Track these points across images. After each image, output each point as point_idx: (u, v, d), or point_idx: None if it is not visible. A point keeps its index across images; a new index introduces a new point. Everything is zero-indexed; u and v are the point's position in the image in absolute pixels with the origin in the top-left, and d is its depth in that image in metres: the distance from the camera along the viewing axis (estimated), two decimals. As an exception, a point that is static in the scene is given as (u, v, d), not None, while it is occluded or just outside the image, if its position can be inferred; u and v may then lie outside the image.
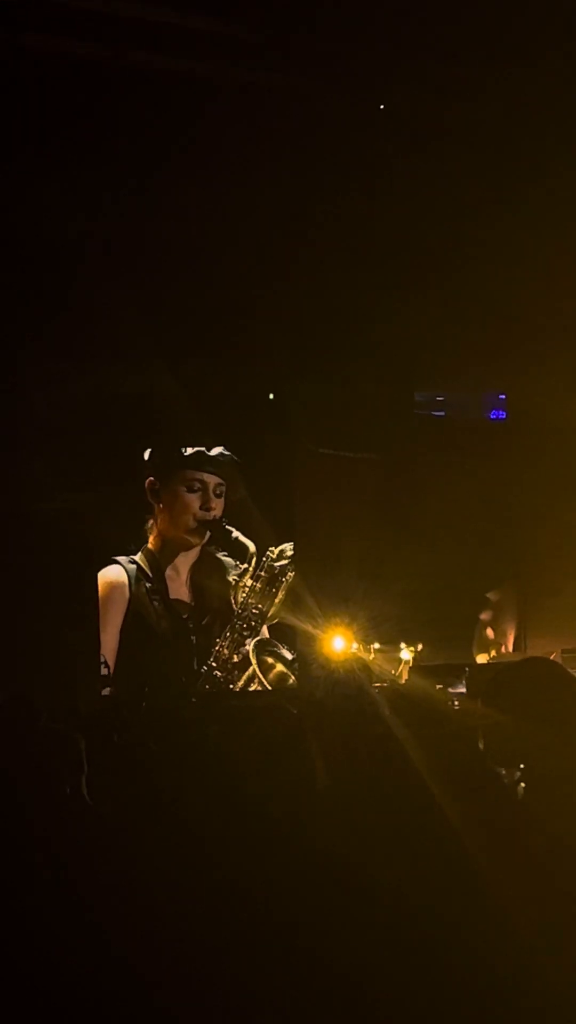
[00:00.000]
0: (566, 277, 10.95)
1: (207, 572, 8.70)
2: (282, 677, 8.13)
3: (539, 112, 10.03)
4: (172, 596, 8.67)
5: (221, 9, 9.42)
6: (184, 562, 8.83)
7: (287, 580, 8.39)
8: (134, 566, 8.66)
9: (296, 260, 10.45)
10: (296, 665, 8.17)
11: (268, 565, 8.33)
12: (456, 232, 10.72)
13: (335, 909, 2.05)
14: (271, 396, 10.29)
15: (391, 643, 11.03)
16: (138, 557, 8.62)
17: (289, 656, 8.21)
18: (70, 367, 9.77)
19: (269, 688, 8.05)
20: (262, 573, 8.31)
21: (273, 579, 8.39)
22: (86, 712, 4.33)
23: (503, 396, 13.05)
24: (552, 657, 11.77)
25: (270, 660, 8.14)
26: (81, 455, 9.42)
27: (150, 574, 8.62)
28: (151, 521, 8.83)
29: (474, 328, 11.39)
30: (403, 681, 10.07)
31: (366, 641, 9.80)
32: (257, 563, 8.32)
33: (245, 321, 10.46)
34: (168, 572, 8.71)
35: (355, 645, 9.86)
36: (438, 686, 7.07)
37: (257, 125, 9.77)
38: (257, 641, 8.15)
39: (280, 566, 8.35)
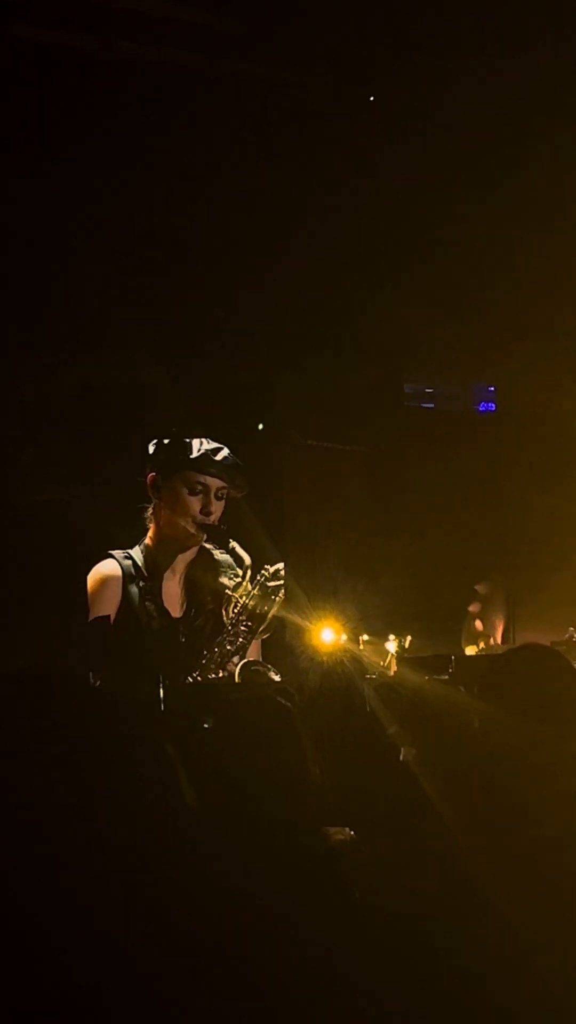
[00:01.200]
0: (556, 269, 10.95)
1: (203, 570, 8.64)
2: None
3: (529, 104, 10.02)
4: (166, 594, 8.63)
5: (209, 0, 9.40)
6: (181, 559, 8.79)
7: (279, 599, 8.36)
8: (129, 561, 8.58)
9: (284, 251, 10.43)
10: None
11: (262, 583, 8.31)
12: (446, 223, 10.71)
13: (331, 901, 2.05)
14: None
15: (380, 635, 11.04)
16: (134, 552, 8.57)
17: (277, 678, 8.17)
18: (59, 358, 9.74)
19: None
20: (255, 591, 8.28)
21: (266, 597, 8.36)
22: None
23: (492, 388, 13.06)
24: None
25: (256, 681, 8.10)
26: (71, 447, 9.39)
27: (145, 572, 8.58)
28: (150, 511, 8.78)
29: (464, 320, 11.39)
30: (392, 673, 10.07)
31: (355, 633, 9.78)
32: (252, 578, 8.31)
33: (233, 312, 10.44)
34: (164, 570, 8.68)
35: (343, 637, 9.84)
36: (426, 677, 7.05)
37: (244, 117, 9.75)
38: (244, 662, 8.10)
39: (273, 585, 8.32)
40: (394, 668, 10.48)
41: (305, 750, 2.10)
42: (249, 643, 8.23)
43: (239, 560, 8.63)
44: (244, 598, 8.34)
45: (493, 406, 13.10)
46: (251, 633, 8.30)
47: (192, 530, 8.91)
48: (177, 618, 8.65)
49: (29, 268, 9.53)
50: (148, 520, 8.85)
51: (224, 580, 8.50)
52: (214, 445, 8.85)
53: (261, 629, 8.34)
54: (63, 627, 8.43)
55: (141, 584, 8.57)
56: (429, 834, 2.04)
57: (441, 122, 10.15)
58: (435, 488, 11.84)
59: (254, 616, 8.36)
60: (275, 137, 9.95)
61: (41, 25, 9.21)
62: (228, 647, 8.30)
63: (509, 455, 12.54)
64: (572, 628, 11.87)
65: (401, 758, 3.61)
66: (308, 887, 1.99)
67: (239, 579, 8.40)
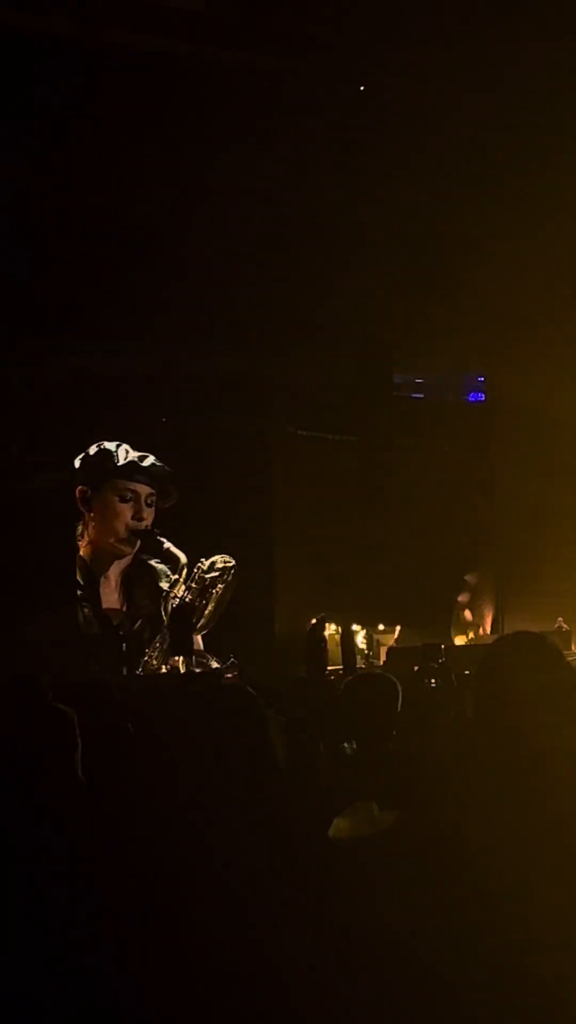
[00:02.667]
0: (547, 260, 10.96)
1: (139, 578, 8.77)
2: None
3: (525, 94, 10.01)
4: (104, 603, 8.72)
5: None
6: (116, 569, 8.90)
7: (217, 592, 8.42)
8: None
9: (274, 241, 10.42)
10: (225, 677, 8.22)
11: (199, 576, 8.38)
12: (438, 215, 10.71)
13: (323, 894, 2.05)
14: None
15: (369, 625, 11.05)
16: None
17: (217, 665, 8.23)
18: (46, 347, 9.72)
19: None
20: (193, 584, 8.35)
21: (204, 591, 8.43)
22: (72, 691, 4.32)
23: (482, 378, 13.06)
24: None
25: (197, 671, 8.15)
26: (61, 436, 9.38)
27: (81, 582, 8.69)
28: (80, 528, 8.87)
29: (454, 311, 11.39)
30: (381, 663, 10.09)
31: (345, 623, 9.79)
32: (188, 574, 8.37)
33: (223, 302, 10.43)
34: (100, 580, 8.79)
35: (333, 627, 9.85)
36: (415, 668, 7.07)
37: (234, 106, 9.71)
38: (183, 660, 8.16)
39: (211, 578, 8.38)
40: (383, 658, 10.51)
41: (271, 734, 2.10)
42: (190, 638, 8.24)
43: (174, 560, 8.67)
44: (184, 592, 8.39)
45: (483, 396, 13.10)
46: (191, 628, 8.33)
47: (124, 537, 8.97)
48: (116, 625, 8.69)
49: (20, 257, 9.50)
50: (79, 538, 8.91)
51: (161, 584, 8.56)
52: (140, 453, 8.90)
53: (201, 624, 8.36)
54: (53, 614, 8.46)
55: (78, 593, 8.64)
56: (425, 818, 2.05)
57: (434, 112, 10.14)
58: (425, 478, 11.85)
59: (193, 611, 8.39)
60: (266, 126, 9.92)
61: (33, 13, 9.17)
62: (167, 646, 8.34)
63: (499, 445, 12.55)
64: (560, 618, 11.91)
65: (347, 750, 3.65)
66: (287, 871, 2.00)
67: (176, 577, 8.47)
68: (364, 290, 10.95)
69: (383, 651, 10.45)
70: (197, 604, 8.40)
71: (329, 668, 9.21)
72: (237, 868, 2.10)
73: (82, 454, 8.76)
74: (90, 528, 8.83)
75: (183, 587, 8.41)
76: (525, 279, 11.19)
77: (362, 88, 10.28)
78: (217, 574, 8.42)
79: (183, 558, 8.42)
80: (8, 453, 9.59)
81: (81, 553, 8.81)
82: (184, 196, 10.01)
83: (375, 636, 11.07)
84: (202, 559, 8.47)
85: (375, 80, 10.18)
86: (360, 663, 9.62)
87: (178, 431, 9.84)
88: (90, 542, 8.83)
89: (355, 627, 10.53)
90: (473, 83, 9.95)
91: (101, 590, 8.76)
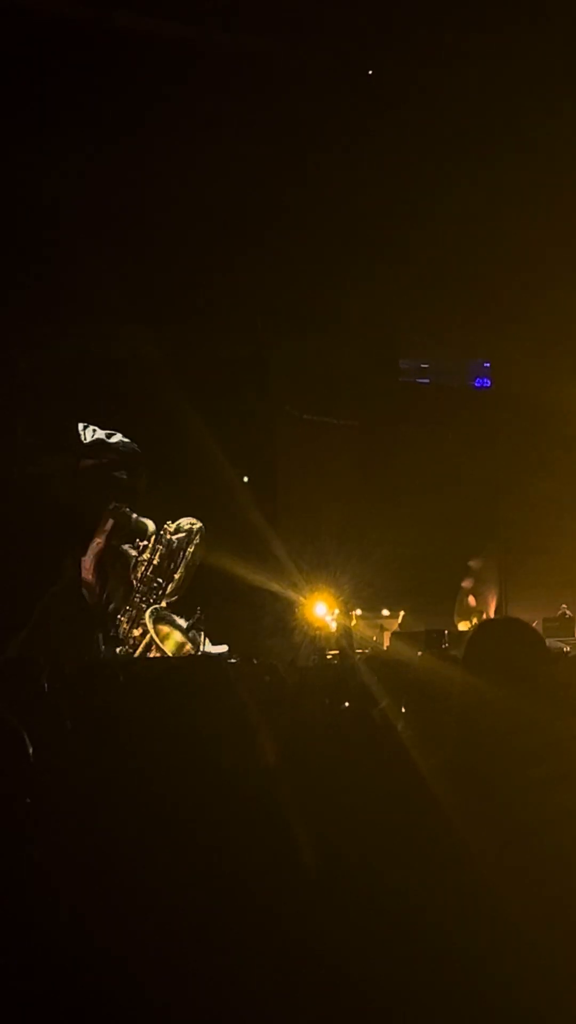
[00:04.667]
0: (553, 248, 10.93)
1: (111, 562, 8.85)
2: (179, 645, 8.26)
3: (528, 82, 9.98)
4: (79, 584, 8.83)
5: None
6: (90, 552, 8.98)
7: (188, 555, 8.49)
8: None
9: (281, 226, 10.40)
10: (191, 633, 8.28)
11: (166, 539, 8.47)
12: (444, 200, 10.68)
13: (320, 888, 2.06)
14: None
15: (373, 610, 11.06)
16: None
17: (183, 624, 8.31)
18: (51, 331, 9.72)
19: (167, 654, 8.18)
20: (160, 547, 8.44)
21: (172, 553, 8.51)
22: (70, 672, 4.34)
23: (487, 364, 13.05)
24: (533, 625, 11.86)
25: (165, 629, 8.26)
26: (62, 419, 9.39)
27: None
28: None
29: (460, 296, 11.38)
30: (385, 647, 10.10)
31: (348, 607, 9.81)
32: (156, 540, 8.46)
33: (229, 287, 10.42)
34: (79, 560, 8.90)
35: (336, 611, 9.87)
36: (419, 652, 7.06)
37: (239, 88, 9.69)
38: (151, 610, 8.26)
39: (178, 539, 8.47)
40: (387, 643, 10.52)
41: (242, 699, 2.11)
42: (160, 600, 8.32)
43: (142, 529, 8.78)
44: (151, 556, 8.49)
45: (488, 382, 13.09)
46: (161, 590, 8.42)
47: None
48: (92, 603, 8.78)
49: (22, 241, 9.49)
50: None
51: (131, 551, 8.67)
52: (107, 431, 8.95)
53: (171, 588, 8.43)
54: (54, 593, 8.53)
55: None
56: (419, 807, 2.06)
57: (439, 98, 10.12)
58: (429, 463, 11.84)
59: (163, 572, 8.49)
60: (271, 110, 9.90)
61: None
62: (141, 605, 8.43)
63: (504, 431, 12.53)
64: (564, 604, 11.92)
65: (378, 711, 3.65)
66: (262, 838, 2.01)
67: (144, 544, 8.57)
68: (370, 275, 10.94)
69: (387, 636, 10.47)
70: (166, 567, 8.52)
71: (330, 654, 9.25)
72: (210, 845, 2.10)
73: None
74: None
75: (150, 552, 8.51)
76: (532, 266, 11.17)
77: (370, 72, 10.26)
78: (184, 535, 8.53)
79: (151, 526, 8.56)
80: (14, 436, 9.60)
81: None
82: (190, 180, 9.99)
83: (379, 621, 11.08)
84: (168, 522, 8.58)
85: (382, 66, 10.16)
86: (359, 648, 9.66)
87: (182, 415, 9.84)
88: None
89: (357, 612, 10.56)
90: (488, 68, 9.93)
91: (81, 567, 8.92)
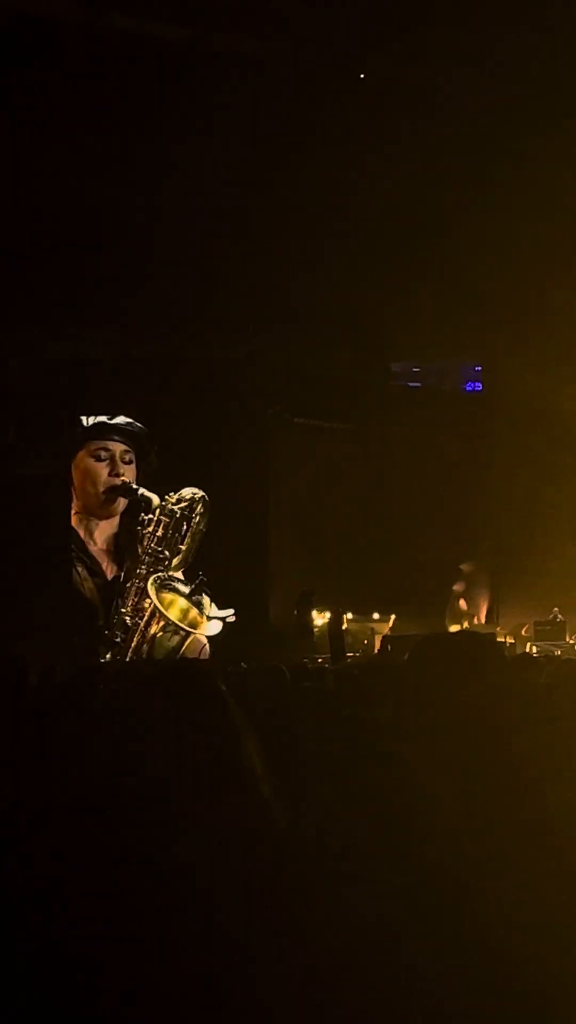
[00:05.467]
0: (545, 250, 10.95)
1: (127, 543, 8.92)
2: (183, 611, 8.32)
3: (516, 84, 9.99)
4: (93, 566, 8.92)
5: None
6: (101, 535, 9.06)
7: (195, 526, 8.54)
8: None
9: (272, 228, 10.40)
10: (195, 598, 8.34)
11: (168, 509, 8.53)
12: (435, 204, 10.69)
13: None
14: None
15: (364, 613, 11.07)
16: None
17: (186, 589, 8.37)
18: (44, 334, 9.72)
19: (173, 622, 8.24)
20: (163, 518, 8.50)
21: (176, 524, 8.57)
22: (64, 673, 4.33)
23: (479, 368, 13.07)
24: (524, 630, 11.87)
25: (168, 596, 8.32)
26: (55, 421, 9.38)
27: (73, 546, 8.87)
28: (72, 504, 9.04)
29: (452, 299, 11.39)
30: (376, 651, 10.11)
31: (339, 611, 9.81)
32: (160, 511, 8.55)
33: (220, 290, 10.42)
34: (89, 544, 8.96)
35: (327, 615, 9.86)
36: (406, 656, 7.04)
37: (230, 92, 9.68)
38: (154, 577, 8.33)
39: (181, 508, 8.53)
40: (377, 647, 10.53)
41: (226, 702, 2.10)
42: (165, 570, 8.38)
43: (147, 501, 8.86)
44: (154, 528, 8.56)
45: (480, 386, 13.11)
46: (168, 561, 8.48)
47: (104, 495, 9.17)
48: (110, 581, 8.90)
49: (12, 243, 9.48)
50: (71, 506, 9.09)
51: (138, 528, 8.77)
52: (108, 415, 9.07)
53: (177, 561, 8.49)
54: (48, 593, 8.56)
55: (72, 554, 8.86)
56: (412, 810, 2.07)
57: (433, 100, 10.12)
58: (421, 467, 11.86)
59: (167, 543, 8.56)
60: (263, 114, 9.90)
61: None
62: (146, 575, 8.49)
63: (496, 434, 12.55)
64: (556, 608, 11.94)
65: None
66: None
67: (149, 516, 8.64)
68: (362, 278, 10.95)
69: (378, 639, 10.48)
70: (171, 536, 8.58)
71: (320, 658, 9.24)
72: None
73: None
74: (76, 496, 9.02)
75: (154, 524, 8.58)
76: (524, 269, 11.18)
77: (362, 76, 10.27)
78: (186, 504, 8.58)
79: (156, 499, 8.61)
80: (5, 437, 9.60)
81: (73, 523, 8.99)
82: (181, 184, 9.99)
83: (370, 625, 11.10)
84: (170, 493, 8.64)
85: (372, 66, 10.16)
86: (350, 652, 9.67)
87: (174, 418, 9.85)
88: (77, 512, 9.03)
89: (349, 615, 10.56)
90: (479, 70, 9.94)
91: (93, 551, 8.97)
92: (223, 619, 8.33)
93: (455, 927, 1.97)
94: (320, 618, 10.02)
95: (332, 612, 9.36)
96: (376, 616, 11.04)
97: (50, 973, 1.97)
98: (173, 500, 8.55)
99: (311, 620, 9.86)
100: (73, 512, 8.98)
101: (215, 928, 1.99)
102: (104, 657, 8.37)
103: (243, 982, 1.92)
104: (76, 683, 3.56)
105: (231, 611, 8.42)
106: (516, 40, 9.48)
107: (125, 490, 8.86)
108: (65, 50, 9.14)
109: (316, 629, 9.90)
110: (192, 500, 8.54)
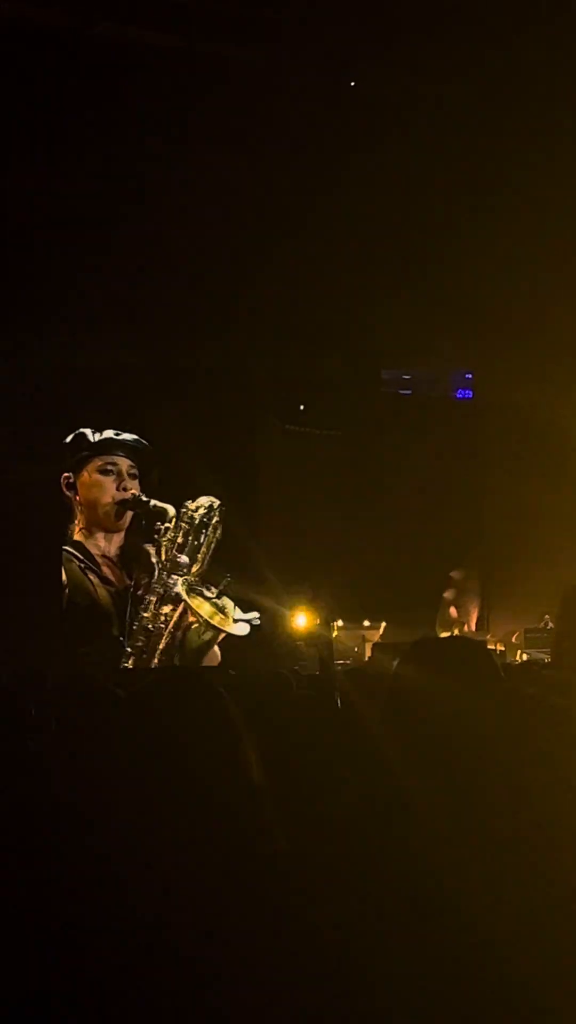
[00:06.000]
0: (536, 258, 10.95)
1: (134, 555, 8.94)
2: (210, 615, 8.41)
3: (508, 93, 10.01)
4: (105, 574, 8.93)
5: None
6: (109, 547, 9.07)
7: (211, 533, 8.59)
8: (64, 551, 8.88)
9: (265, 239, 10.41)
10: (219, 601, 8.42)
11: (188, 517, 8.57)
12: (427, 212, 10.70)
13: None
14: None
15: (354, 621, 11.05)
16: (67, 547, 8.87)
17: (210, 594, 8.45)
18: (34, 340, 9.70)
19: (206, 619, 8.32)
20: (183, 524, 8.55)
21: (195, 530, 8.62)
22: (54, 684, 4.32)
23: (470, 375, 13.07)
24: (515, 637, 11.86)
25: (196, 600, 8.40)
26: (46, 429, 9.37)
27: (81, 556, 8.88)
28: (75, 521, 9.04)
29: (442, 307, 11.40)
30: (366, 659, 10.09)
31: (329, 618, 9.80)
32: (179, 519, 8.57)
33: (211, 297, 10.42)
34: (97, 557, 8.97)
35: (317, 622, 9.85)
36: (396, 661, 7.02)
37: (226, 102, 9.68)
38: (183, 580, 8.40)
39: (200, 515, 8.58)
40: (368, 654, 10.51)
41: (229, 711, 2.08)
42: (187, 575, 8.40)
43: (162, 512, 8.88)
44: (174, 534, 8.58)
45: (471, 393, 13.10)
46: (187, 567, 8.51)
47: (112, 509, 9.18)
48: (123, 590, 8.91)
49: (8, 250, 9.47)
50: (71, 531, 9.07)
51: (155, 537, 8.79)
52: (115, 431, 9.08)
53: (196, 568, 8.51)
54: (37, 603, 8.55)
55: (80, 564, 8.85)
56: (405, 816, 2.06)
57: (421, 111, 10.13)
58: (412, 474, 11.84)
59: (187, 549, 8.58)
60: (254, 122, 9.90)
61: (27, 4, 9.13)
62: (167, 581, 8.51)
63: (486, 442, 12.56)
64: (547, 615, 11.90)
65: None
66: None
67: (167, 525, 8.66)
68: (353, 285, 10.95)
69: (368, 647, 10.45)
70: (191, 543, 8.64)
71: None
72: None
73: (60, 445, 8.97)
74: (80, 511, 9.01)
75: (172, 531, 8.63)
76: (515, 277, 11.19)
77: (352, 84, 10.27)
78: (204, 510, 8.64)
79: (171, 509, 8.66)
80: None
81: (77, 537, 9.00)
82: (174, 190, 9.99)
83: (361, 632, 11.07)
84: (188, 501, 8.69)
85: (363, 74, 10.17)
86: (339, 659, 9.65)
87: (163, 425, 9.84)
88: (82, 528, 9.02)
89: (339, 623, 10.54)
90: (462, 80, 9.96)
91: (101, 564, 8.98)
92: (249, 621, 8.44)
93: (448, 931, 1.96)
94: (310, 625, 10.00)
95: (322, 619, 9.35)
96: (367, 623, 11.02)
97: (50, 973, 1.96)
98: (193, 507, 8.60)
99: (301, 627, 9.85)
100: (78, 528, 9.01)
101: (215, 928, 1.97)
102: (127, 664, 8.42)
103: (243, 982, 1.90)
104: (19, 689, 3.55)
105: (256, 614, 8.52)
106: (508, 49, 9.49)
107: (135, 503, 8.89)
108: (56, 57, 9.13)
109: (306, 636, 9.89)
110: (210, 508, 8.60)
